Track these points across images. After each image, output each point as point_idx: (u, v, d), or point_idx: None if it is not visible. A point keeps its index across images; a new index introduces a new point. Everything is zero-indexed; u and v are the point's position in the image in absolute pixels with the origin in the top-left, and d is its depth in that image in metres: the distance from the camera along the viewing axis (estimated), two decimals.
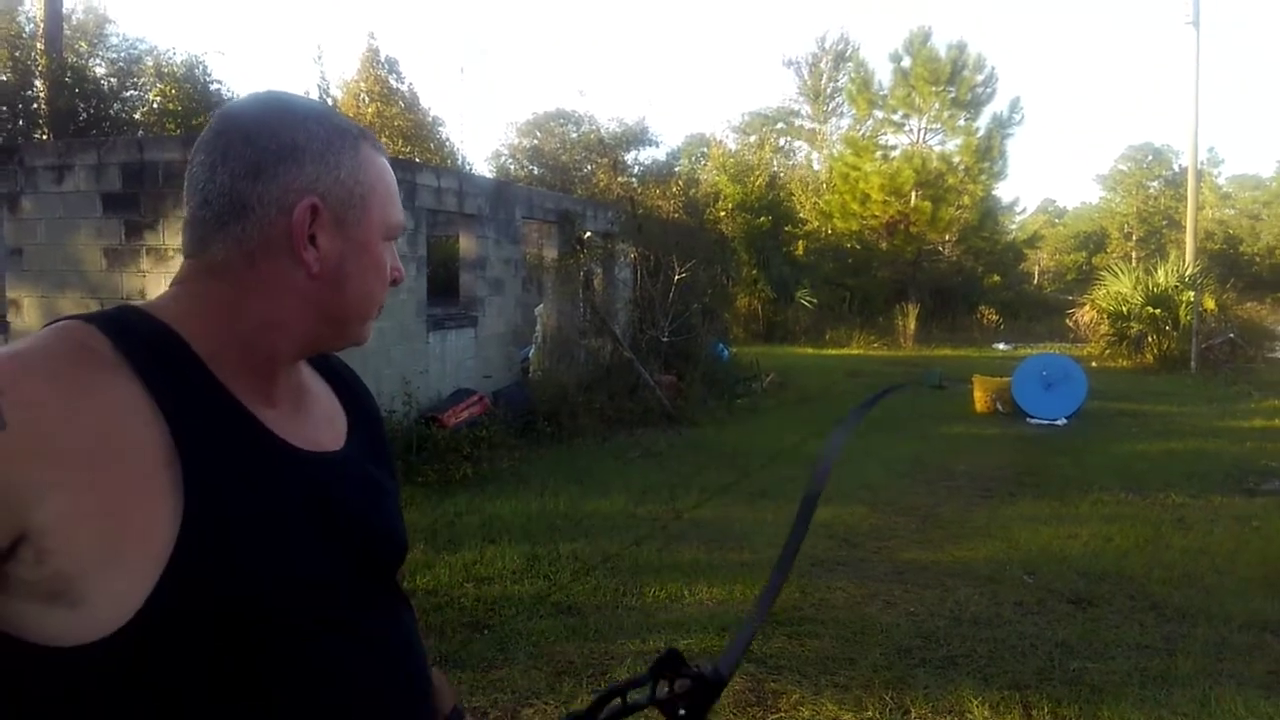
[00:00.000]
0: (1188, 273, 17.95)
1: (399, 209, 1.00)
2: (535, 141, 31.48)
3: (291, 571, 0.88)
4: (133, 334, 0.87)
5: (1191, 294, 16.76)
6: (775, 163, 30.38)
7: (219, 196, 0.91)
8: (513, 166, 30.78)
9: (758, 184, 24.34)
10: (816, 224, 26.93)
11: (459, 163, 25.12)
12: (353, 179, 0.94)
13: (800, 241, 25.76)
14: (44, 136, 13.67)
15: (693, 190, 23.16)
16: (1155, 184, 44.05)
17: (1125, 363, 16.94)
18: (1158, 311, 16.82)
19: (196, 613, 0.81)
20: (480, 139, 79.95)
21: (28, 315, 7.40)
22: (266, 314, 0.92)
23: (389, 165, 1.00)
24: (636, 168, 28.53)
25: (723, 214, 23.22)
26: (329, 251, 0.92)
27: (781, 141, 36.19)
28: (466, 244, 9.86)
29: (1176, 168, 41.13)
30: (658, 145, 30.53)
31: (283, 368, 0.97)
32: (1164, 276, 17.77)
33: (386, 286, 1.00)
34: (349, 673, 0.92)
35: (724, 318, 16.33)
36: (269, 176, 0.90)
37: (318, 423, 1.01)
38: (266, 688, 0.86)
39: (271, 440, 0.92)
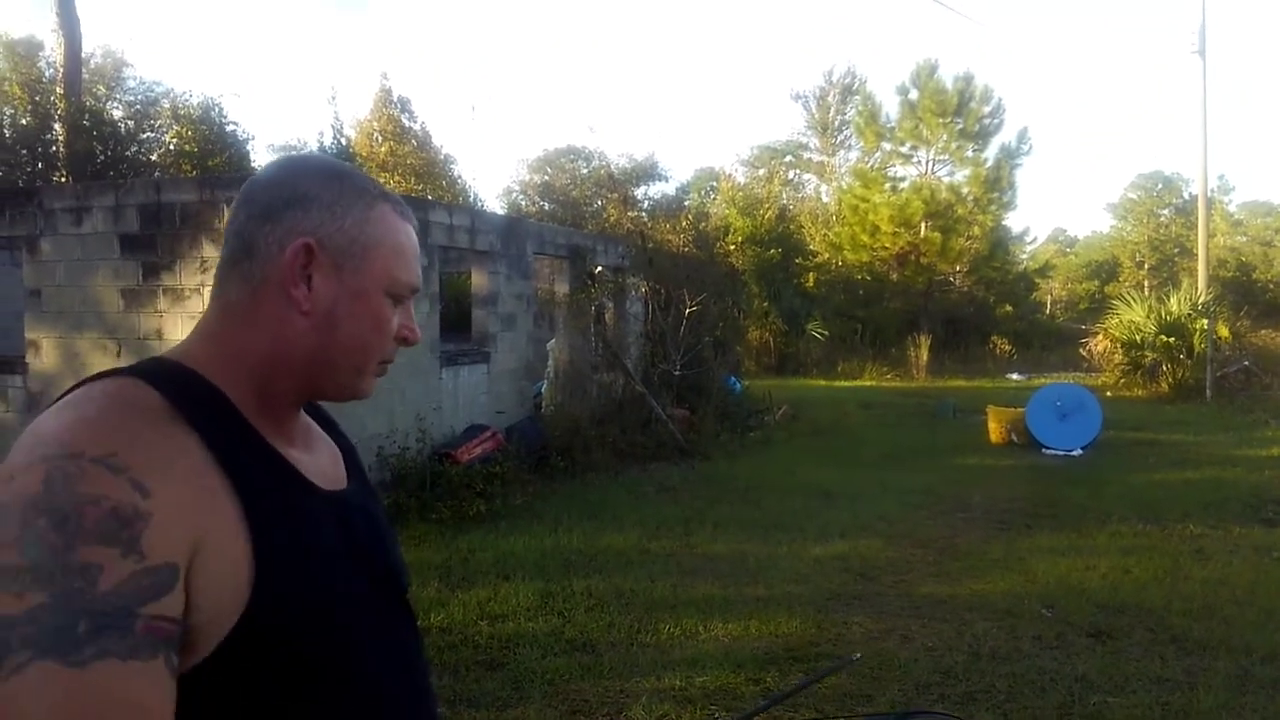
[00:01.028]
0: (1201, 300, 17.89)
1: (411, 271, 1.03)
2: (546, 177, 31.76)
3: (343, 596, 0.95)
4: (179, 388, 0.91)
5: (1205, 322, 16.69)
6: (784, 195, 30.52)
7: (234, 237, 0.98)
8: (524, 202, 31.03)
9: (767, 217, 24.45)
10: (826, 256, 26.98)
11: (471, 199, 25.36)
12: (357, 229, 0.98)
13: (810, 273, 25.80)
14: (62, 179, 13.88)
15: (702, 224, 23.24)
16: (1166, 212, 43.98)
17: (1140, 392, 16.84)
18: (1171, 340, 16.74)
19: (269, 643, 0.87)
20: (492, 176, 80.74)
21: (46, 356, 7.47)
22: (268, 355, 0.97)
23: (411, 230, 1.04)
24: (646, 202, 28.74)
25: (733, 247, 23.30)
26: (322, 292, 0.97)
27: (790, 174, 36.40)
28: (479, 280, 9.92)
29: (1187, 195, 41.08)
30: (667, 180, 30.83)
31: (291, 410, 1.02)
32: (1177, 305, 17.71)
33: (388, 341, 1.03)
34: (390, 680, 1.00)
35: (735, 350, 16.33)
36: (277, 219, 0.97)
37: (325, 463, 1.05)
38: (327, 698, 0.92)
39: (302, 480, 0.98)
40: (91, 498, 0.79)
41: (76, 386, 0.92)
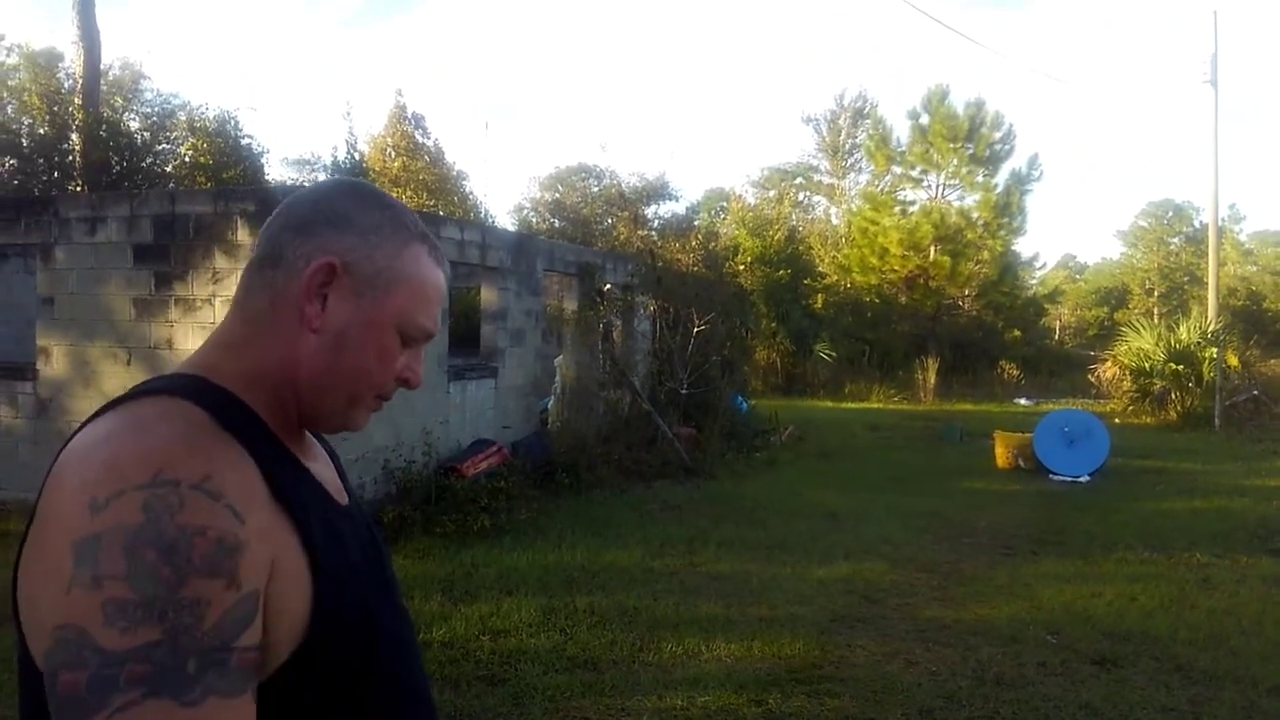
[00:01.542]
0: (1210, 329, 17.84)
1: (430, 316, 1.02)
2: (557, 195, 31.87)
3: (376, 608, 0.98)
4: (221, 407, 0.91)
5: (1214, 350, 16.64)
6: (794, 217, 30.61)
7: (265, 243, 0.99)
8: (534, 219, 31.13)
9: (776, 238, 24.50)
10: (835, 278, 27.01)
11: (482, 215, 25.46)
12: (386, 261, 0.99)
13: (819, 295, 25.82)
14: (78, 188, 13.99)
15: (712, 244, 23.29)
16: (1176, 240, 43.96)
17: (1148, 419, 16.78)
18: (1181, 368, 16.69)
19: (324, 659, 0.89)
20: (503, 192, 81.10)
21: (57, 363, 7.52)
22: (281, 366, 0.97)
23: (440, 277, 1.04)
24: (656, 221, 28.78)
25: (742, 267, 23.34)
26: (335, 313, 0.97)
27: (800, 196, 36.51)
28: (488, 295, 9.96)
29: (1197, 224, 41.06)
30: (678, 199, 30.92)
31: (300, 427, 1.02)
32: (1186, 333, 17.66)
33: (389, 378, 1.02)
34: (420, 682, 1.06)
35: (743, 370, 16.33)
36: (310, 234, 0.97)
37: (330, 477, 1.06)
38: (374, 696, 0.95)
39: (327, 494, 1.00)
40: (198, 528, 0.80)
41: (112, 405, 0.91)
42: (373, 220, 0.99)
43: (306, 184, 18.27)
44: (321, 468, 1.04)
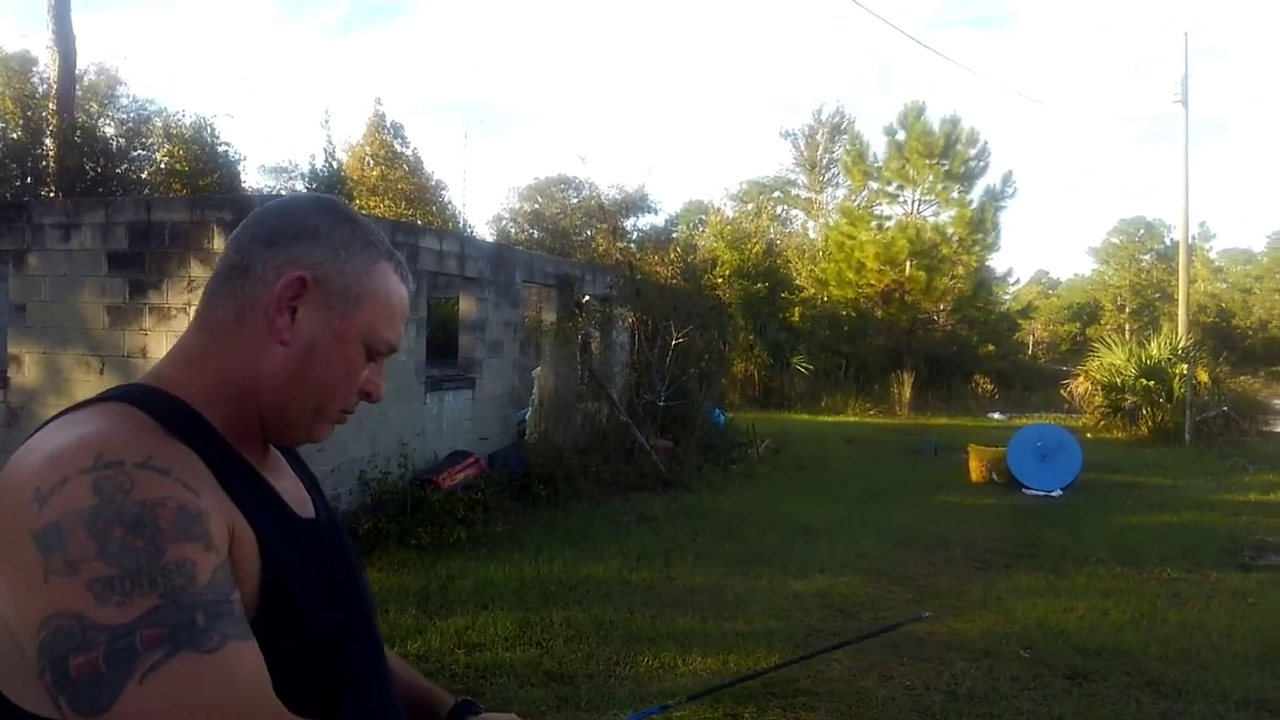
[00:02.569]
0: (1180, 345, 18.08)
1: (395, 331, 1.04)
2: (536, 206, 31.90)
3: (322, 618, 0.97)
4: (166, 412, 0.92)
5: (1185, 366, 16.87)
6: (772, 230, 30.73)
7: (233, 254, 0.99)
8: (513, 230, 31.13)
9: (755, 251, 24.61)
10: (812, 291, 27.16)
11: (460, 226, 25.42)
12: (355, 277, 1.00)
13: (796, 308, 25.94)
14: (51, 194, 13.85)
15: (690, 256, 23.35)
16: (1148, 257, 44.55)
17: (1120, 434, 16.97)
18: (1151, 384, 16.90)
19: (281, 630, 0.90)
20: (482, 203, 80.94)
21: (29, 371, 7.42)
22: (245, 378, 0.97)
23: (405, 293, 1.06)
24: (635, 233, 28.82)
25: (720, 280, 23.41)
26: (304, 326, 0.97)
27: (778, 210, 36.71)
28: (466, 306, 9.94)
29: (1168, 241, 41.66)
30: (656, 212, 30.90)
31: (263, 438, 1.03)
32: (1157, 349, 17.89)
33: (353, 391, 1.04)
34: (371, 675, 1.06)
35: (720, 383, 16.35)
36: (279, 247, 0.98)
37: (293, 490, 1.06)
38: (330, 688, 0.97)
39: (282, 502, 1.00)
40: (157, 500, 0.81)
41: (56, 417, 0.92)
42: (342, 236, 1.00)
43: (284, 192, 18.17)
44: (284, 482, 1.04)
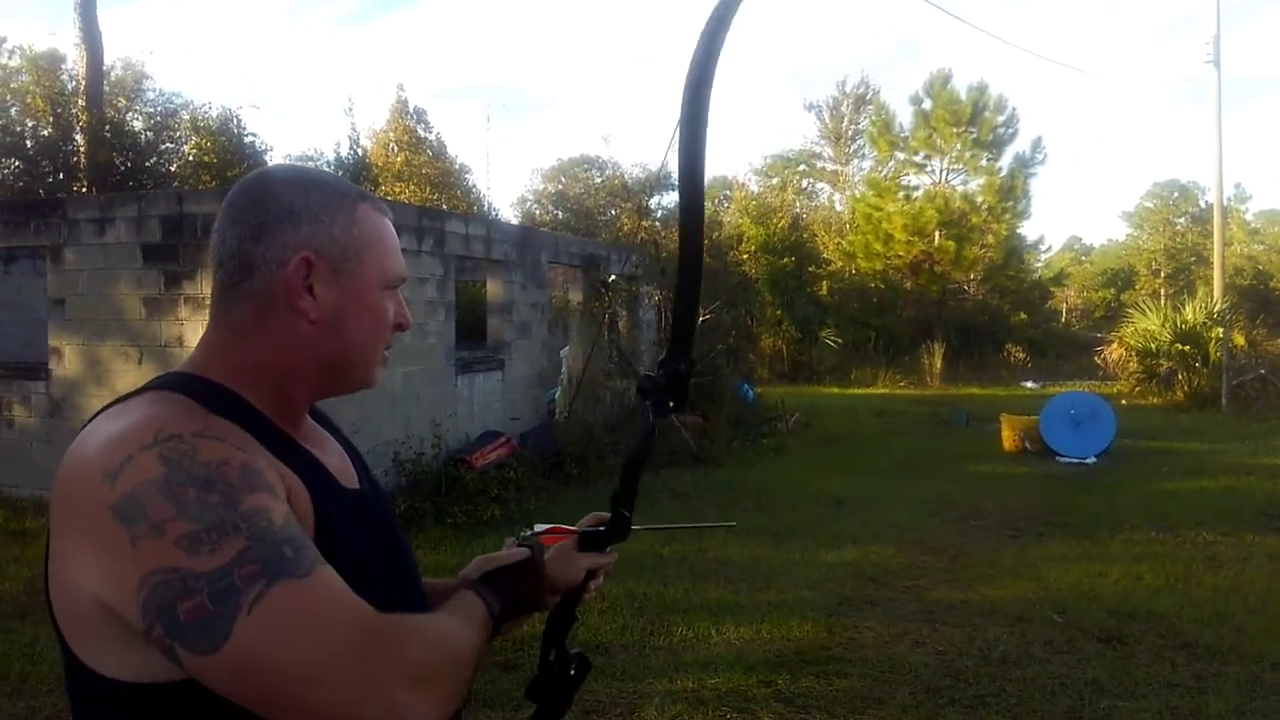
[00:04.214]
0: (1216, 309, 17.82)
1: (398, 261, 1.09)
2: (560, 187, 31.87)
3: (372, 561, 1.03)
4: (208, 396, 0.97)
5: (1221, 330, 16.62)
6: (798, 204, 30.56)
7: (230, 259, 1.02)
8: (538, 211, 31.14)
9: (780, 225, 24.48)
10: (840, 264, 27.00)
11: (485, 208, 25.49)
12: (347, 235, 1.03)
13: (824, 281, 25.81)
14: (83, 189, 14.07)
15: (716, 233, 23.31)
16: (1182, 220, 43.74)
17: (1155, 400, 16.78)
18: (1187, 348, 16.67)
19: None
20: (506, 185, 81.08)
21: (69, 363, 7.59)
22: (280, 363, 1.02)
23: (388, 223, 1.09)
24: (660, 211, 28.74)
25: (746, 256, 23.34)
26: (326, 299, 1.01)
27: (804, 183, 36.43)
28: (494, 289, 10.02)
29: (1203, 204, 40.86)
30: None
31: (303, 414, 1.08)
32: (1192, 313, 17.64)
33: (389, 332, 1.09)
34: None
35: (748, 358, 16.36)
36: (269, 237, 1.00)
37: (338, 463, 1.11)
38: None
39: (327, 473, 1.05)
40: (220, 460, 0.87)
41: (100, 411, 0.97)
42: (316, 202, 1.02)
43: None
44: (328, 455, 1.09)
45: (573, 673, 1.25)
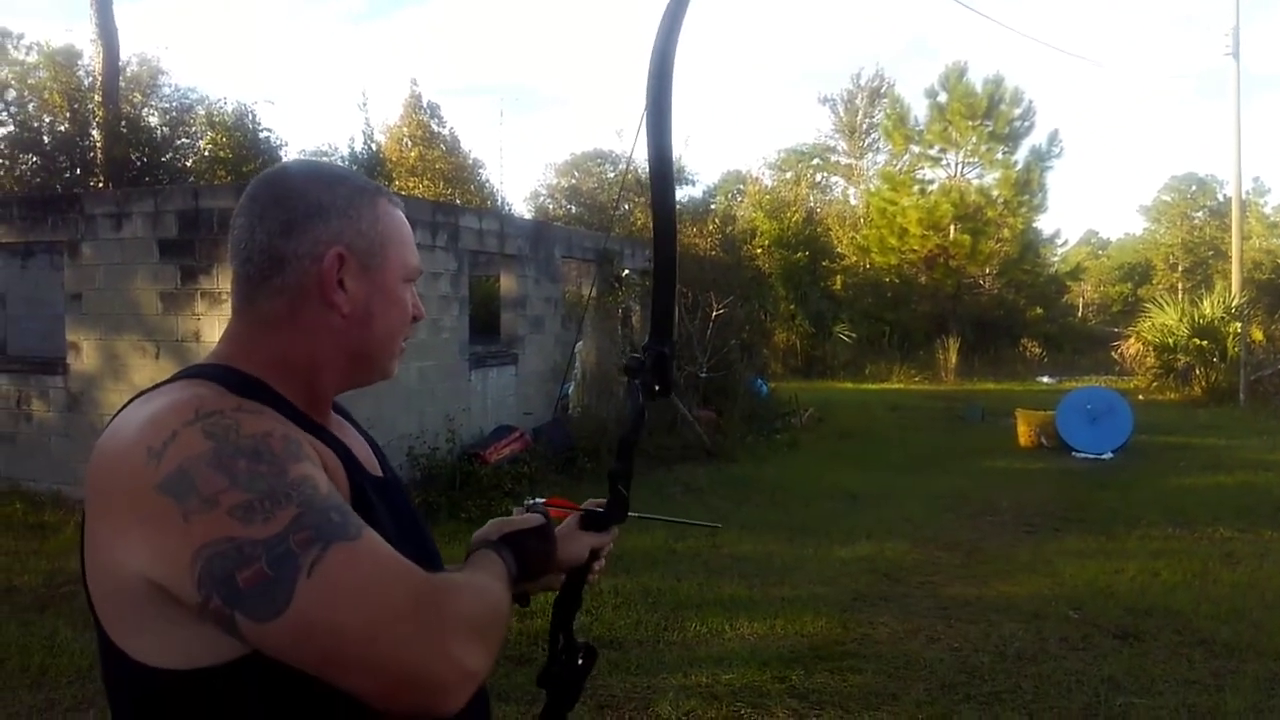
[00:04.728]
0: (1234, 303, 17.67)
1: (415, 254, 1.12)
2: (573, 181, 31.88)
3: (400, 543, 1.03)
4: (238, 385, 0.98)
5: (1239, 325, 16.48)
6: (812, 198, 30.44)
7: (259, 254, 1.02)
8: (551, 205, 31.16)
9: (794, 220, 24.39)
10: (854, 259, 26.88)
11: (499, 203, 25.52)
12: (373, 229, 1.05)
13: (838, 276, 25.71)
14: (99, 184, 14.15)
15: (729, 227, 23.25)
16: (1200, 214, 43.39)
17: (1172, 395, 16.66)
18: (1204, 343, 16.54)
19: None
20: (519, 179, 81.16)
21: (87, 357, 7.64)
22: (310, 356, 1.04)
23: (404, 216, 1.12)
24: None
25: (759, 250, 23.27)
26: (356, 293, 1.04)
27: (818, 177, 36.30)
28: (507, 283, 10.03)
29: (1221, 197, 40.52)
30: (694, 183, 30.69)
31: (329, 404, 1.11)
32: (1210, 308, 17.49)
33: (409, 324, 1.12)
34: None
35: (762, 353, 16.32)
36: (300, 232, 1.02)
37: (362, 451, 1.14)
38: None
39: (356, 459, 1.07)
40: (264, 432, 0.90)
41: (130, 401, 0.98)
42: (342, 196, 1.04)
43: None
44: (353, 444, 1.11)
45: (580, 662, 1.30)
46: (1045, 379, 21.10)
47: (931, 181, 26.41)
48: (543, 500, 1.35)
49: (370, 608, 0.85)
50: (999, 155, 25.27)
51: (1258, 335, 17.16)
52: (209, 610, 0.84)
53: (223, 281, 7.16)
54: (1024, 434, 11.19)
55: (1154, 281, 39.63)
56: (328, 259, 1.01)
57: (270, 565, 0.83)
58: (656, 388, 1.22)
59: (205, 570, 0.83)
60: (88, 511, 0.93)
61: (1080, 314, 35.89)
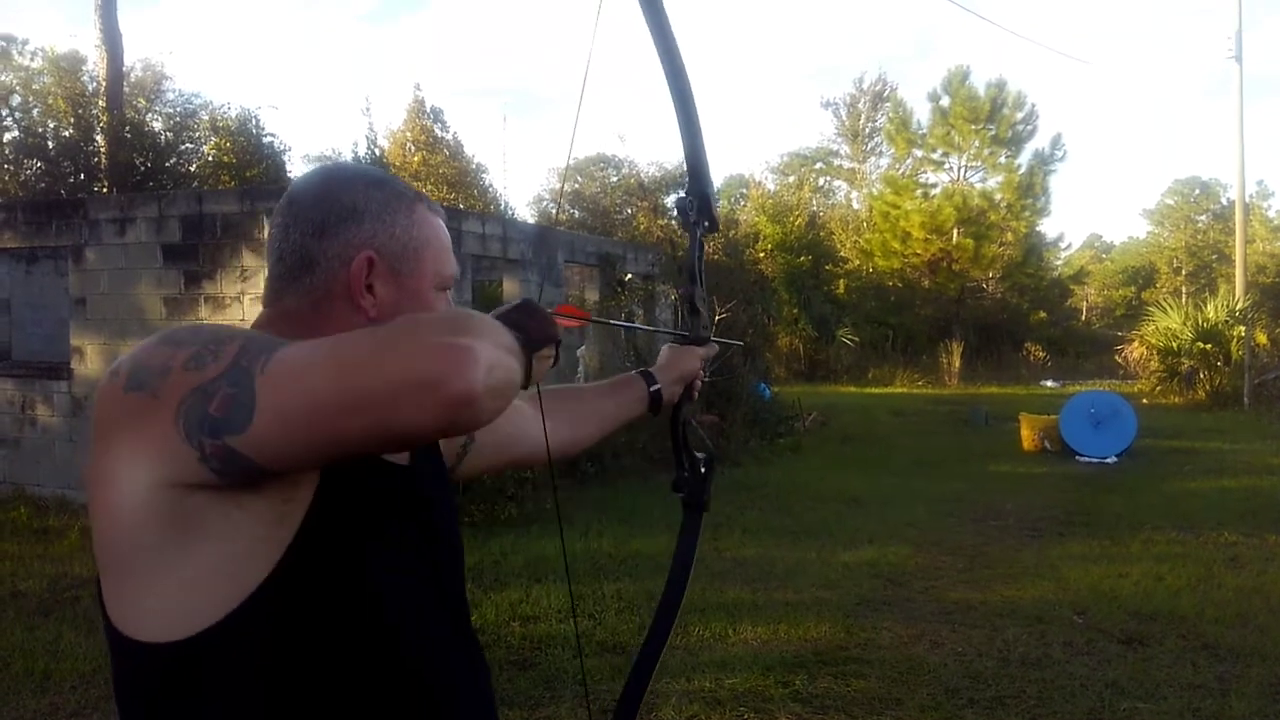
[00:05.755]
0: (1238, 307, 17.64)
1: (452, 262, 1.12)
2: (576, 186, 31.91)
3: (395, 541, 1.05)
4: None
5: (1243, 329, 16.46)
6: (814, 202, 30.45)
7: (291, 253, 1.04)
8: (554, 210, 31.18)
9: (797, 224, 24.41)
10: (857, 262, 26.89)
11: (502, 208, 25.52)
12: (406, 235, 1.06)
13: (841, 280, 25.73)
14: (104, 189, 14.18)
15: (732, 231, 23.26)
16: (1203, 218, 43.37)
17: (1176, 399, 16.63)
18: (1208, 347, 16.52)
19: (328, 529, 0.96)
20: (522, 184, 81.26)
21: (91, 362, 7.66)
22: None
23: (443, 224, 1.12)
24: (676, 210, 28.73)
25: (762, 254, 23.28)
26: (385, 298, 1.04)
27: (820, 181, 36.32)
28: (510, 288, 10.05)
29: (1225, 201, 40.51)
30: None
31: None
32: (1214, 311, 17.47)
33: None
34: (439, 650, 1.13)
35: (765, 357, 16.31)
36: (332, 234, 1.03)
37: None
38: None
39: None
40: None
41: None
42: (379, 201, 1.05)
43: None
44: None
45: (703, 470, 1.49)
46: (1049, 383, 21.08)
47: (934, 185, 26.48)
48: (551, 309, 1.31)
49: (329, 361, 0.83)
50: (1002, 159, 25.31)
51: (1262, 339, 17.14)
52: (207, 456, 0.84)
53: (226, 286, 7.17)
54: (1027, 438, 11.17)
55: (1158, 285, 39.59)
56: (356, 262, 1.02)
57: (229, 384, 0.84)
58: (706, 224, 1.41)
59: (185, 425, 0.84)
60: (94, 461, 0.92)
61: (1084, 318, 35.88)
